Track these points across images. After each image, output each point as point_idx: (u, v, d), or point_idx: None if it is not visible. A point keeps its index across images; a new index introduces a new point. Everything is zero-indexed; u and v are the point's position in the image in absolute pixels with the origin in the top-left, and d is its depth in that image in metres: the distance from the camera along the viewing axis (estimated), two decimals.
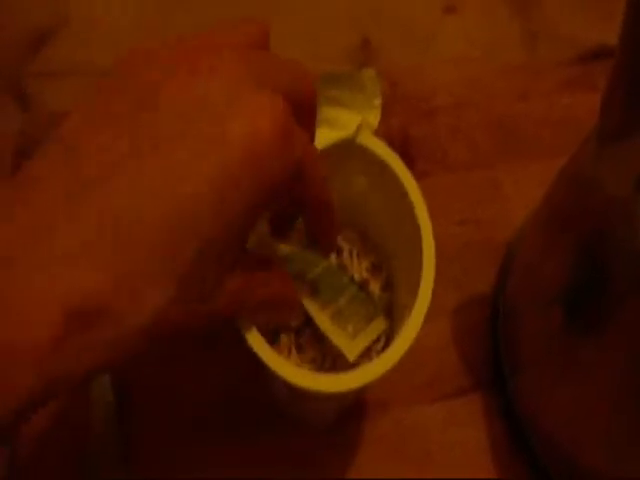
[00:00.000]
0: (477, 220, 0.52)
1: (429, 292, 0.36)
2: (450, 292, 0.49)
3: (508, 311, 0.47)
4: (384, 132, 0.39)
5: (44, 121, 0.52)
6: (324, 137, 0.39)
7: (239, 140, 0.26)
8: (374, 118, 0.40)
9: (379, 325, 0.40)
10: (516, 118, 0.55)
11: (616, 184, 0.35)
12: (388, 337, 0.41)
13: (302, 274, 0.39)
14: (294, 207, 0.35)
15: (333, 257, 0.43)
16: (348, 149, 0.40)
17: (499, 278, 0.50)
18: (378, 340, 0.41)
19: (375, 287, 0.42)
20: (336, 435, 0.45)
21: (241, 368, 0.46)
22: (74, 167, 0.25)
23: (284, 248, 0.40)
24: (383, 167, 0.39)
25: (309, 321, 0.41)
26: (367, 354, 0.41)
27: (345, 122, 0.39)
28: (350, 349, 0.39)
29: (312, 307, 0.39)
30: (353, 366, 0.40)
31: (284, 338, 0.41)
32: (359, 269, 0.43)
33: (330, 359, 0.40)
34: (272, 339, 0.41)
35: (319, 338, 0.41)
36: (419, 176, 0.39)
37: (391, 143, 0.40)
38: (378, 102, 0.40)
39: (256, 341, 0.35)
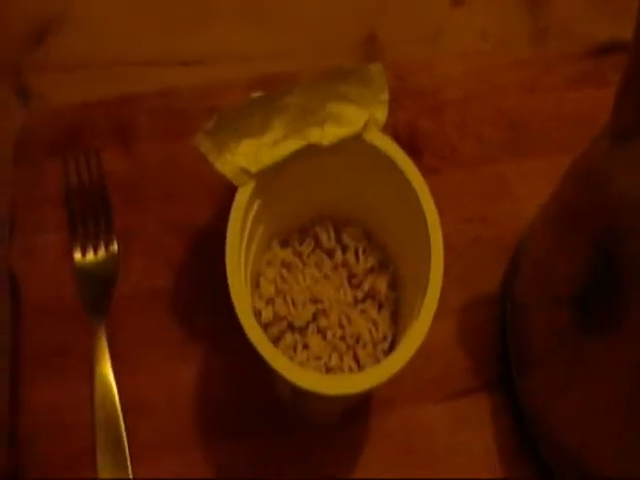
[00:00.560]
0: (485, 217, 0.51)
1: (437, 292, 0.36)
2: (457, 290, 0.48)
3: (516, 309, 0.46)
4: (391, 126, 0.38)
5: (44, 115, 0.52)
6: (331, 133, 0.38)
7: None
8: (381, 114, 0.39)
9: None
10: (525, 113, 0.54)
11: (629, 182, 0.34)
12: (394, 336, 0.41)
13: None
14: None
15: (339, 255, 0.42)
16: (355, 145, 0.39)
17: (507, 276, 0.49)
18: (384, 339, 0.41)
19: (381, 285, 0.42)
20: (341, 433, 0.44)
21: (245, 365, 0.45)
22: None
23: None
24: (390, 164, 0.39)
25: (315, 316, 0.41)
26: (374, 354, 0.40)
27: (352, 118, 0.39)
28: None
29: None
30: (359, 363, 0.40)
31: (289, 337, 0.40)
32: (364, 267, 0.42)
33: (336, 356, 0.40)
34: (277, 337, 0.40)
35: (324, 335, 0.41)
36: (426, 172, 0.39)
37: (398, 138, 0.40)
38: (385, 97, 0.40)
39: (260, 341, 0.34)
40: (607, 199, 0.36)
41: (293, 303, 0.40)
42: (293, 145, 0.38)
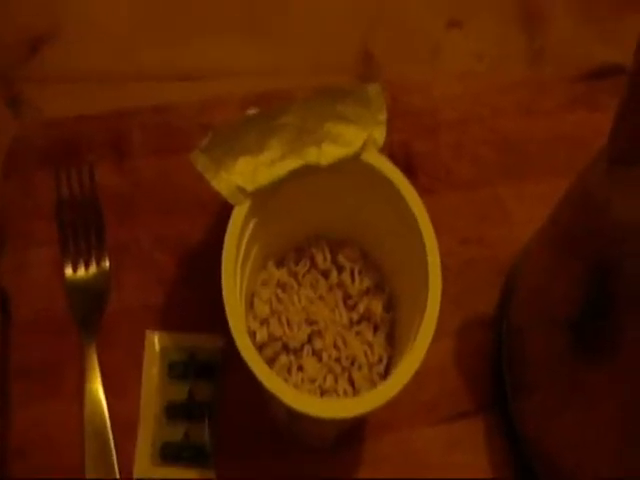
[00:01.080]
0: (480, 238, 0.51)
1: (435, 315, 0.36)
2: (452, 311, 0.47)
3: (512, 332, 0.46)
4: (386, 147, 0.38)
5: (37, 126, 0.51)
6: (329, 153, 0.38)
7: None
8: (379, 135, 0.39)
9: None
10: (521, 135, 0.54)
11: (626, 206, 0.34)
12: (390, 358, 0.40)
13: None
14: None
15: (334, 275, 0.42)
16: (352, 166, 0.39)
17: (502, 298, 0.49)
18: (380, 361, 0.40)
19: (377, 307, 0.41)
20: (336, 456, 0.44)
21: (239, 387, 0.44)
22: None
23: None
24: (387, 184, 0.39)
25: (310, 338, 0.40)
26: (369, 376, 0.40)
27: (350, 138, 0.39)
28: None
29: None
30: (354, 386, 0.40)
31: (284, 358, 0.40)
32: (360, 288, 0.42)
33: (331, 379, 0.40)
34: (272, 358, 0.40)
35: (319, 357, 0.40)
36: (421, 192, 0.38)
37: (393, 159, 0.39)
38: (383, 117, 0.39)
39: (255, 361, 0.34)
40: (604, 223, 0.36)
41: (288, 324, 0.40)
42: (290, 165, 0.38)
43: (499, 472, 0.45)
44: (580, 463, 0.41)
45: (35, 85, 0.55)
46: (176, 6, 0.58)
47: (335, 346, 0.40)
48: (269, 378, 0.34)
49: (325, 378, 0.40)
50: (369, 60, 0.59)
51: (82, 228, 0.48)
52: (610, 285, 0.35)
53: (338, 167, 0.38)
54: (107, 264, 0.47)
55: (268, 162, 0.38)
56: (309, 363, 0.40)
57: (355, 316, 0.41)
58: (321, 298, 0.41)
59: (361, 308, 0.41)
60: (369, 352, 0.40)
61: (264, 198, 0.38)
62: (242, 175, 0.37)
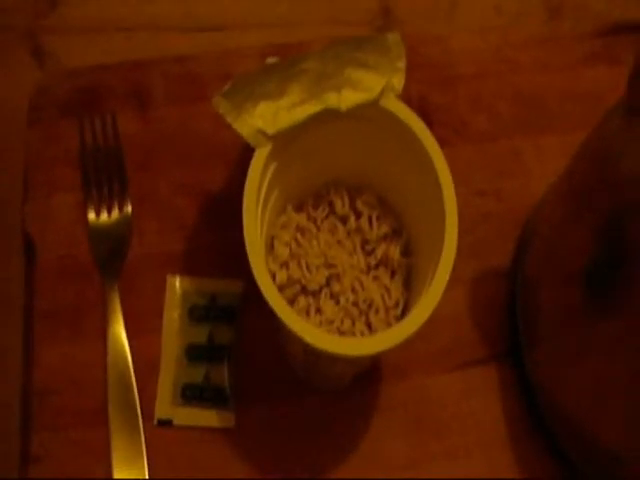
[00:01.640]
0: (497, 191, 0.51)
1: (451, 260, 0.36)
2: (468, 262, 0.48)
3: (527, 284, 0.46)
4: (403, 98, 0.39)
5: (60, 76, 0.52)
6: (348, 98, 0.39)
7: None
8: (398, 82, 0.39)
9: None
10: (538, 90, 0.54)
11: None
12: (407, 302, 0.41)
13: None
14: None
15: (352, 221, 0.43)
16: (371, 112, 0.39)
17: (518, 250, 0.49)
18: (397, 305, 0.41)
19: (394, 252, 0.42)
20: (351, 400, 0.45)
21: (257, 329, 0.46)
22: None
23: None
24: (406, 131, 0.39)
25: (328, 281, 0.41)
26: (386, 319, 0.40)
27: (369, 84, 0.39)
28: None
29: None
30: (370, 329, 0.40)
31: (303, 300, 0.41)
32: (378, 234, 0.42)
33: (349, 321, 0.40)
34: (291, 300, 0.41)
35: (337, 300, 0.41)
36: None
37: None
38: (402, 65, 0.40)
39: (276, 300, 0.35)
40: (619, 174, 0.36)
41: (307, 267, 0.41)
42: (311, 109, 0.38)
43: (511, 418, 0.45)
44: (591, 413, 0.41)
45: (58, 36, 0.55)
46: None
47: (353, 290, 0.41)
48: (289, 316, 0.35)
49: (342, 321, 0.40)
50: (387, 14, 0.59)
51: (105, 175, 0.48)
52: (624, 236, 0.35)
53: (357, 113, 0.39)
54: (129, 209, 0.48)
55: (289, 106, 0.38)
56: (327, 306, 0.40)
57: (373, 261, 0.42)
58: (339, 243, 0.42)
59: (379, 253, 0.42)
60: (386, 296, 0.41)
61: (284, 143, 0.39)
62: (263, 118, 0.38)
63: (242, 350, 0.46)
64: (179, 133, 0.50)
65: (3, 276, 0.49)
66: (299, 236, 0.42)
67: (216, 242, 0.47)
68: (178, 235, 0.48)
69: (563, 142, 0.51)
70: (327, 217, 0.43)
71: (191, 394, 0.44)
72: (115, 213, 0.48)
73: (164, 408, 0.44)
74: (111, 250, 0.47)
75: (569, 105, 0.54)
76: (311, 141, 0.40)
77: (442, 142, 0.39)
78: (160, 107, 0.51)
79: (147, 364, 0.45)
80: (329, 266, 0.41)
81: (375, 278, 0.41)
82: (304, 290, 0.41)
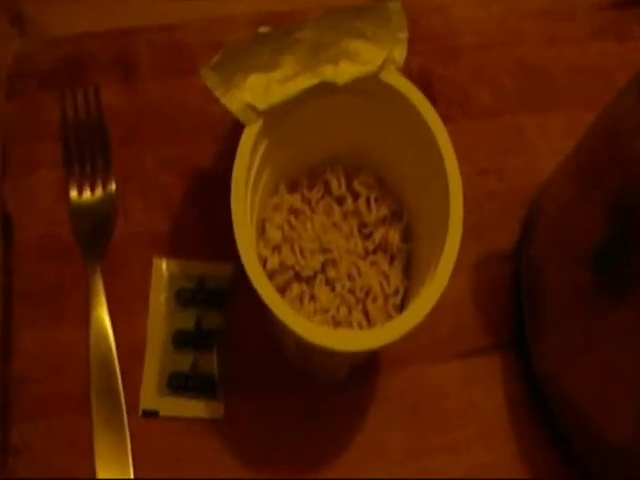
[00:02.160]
0: (500, 170, 0.49)
1: (456, 248, 0.34)
2: (470, 245, 0.45)
3: (532, 267, 0.44)
4: (404, 71, 0.36)
5: (41, 45, 0.49)
6: (345, 72, 0.36)
7: None
8: (399, 53, 0.37)
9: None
10: (544, 64, 0.52)
11: None
12: (406, 290, 0.39)
13: None
14: None
15: (349, 203, 0.40)
16: (370, 86, 0.37)
17: (523, 232, 0.47)
18: (396, 293, 0.39)
19: (394, 237, 0.40)
20: (348, 391, 0.43)
21: (250, 317, 0.43)
22: None
23: None
24: (407, 106, 0.37)
25: (324, 267, 0.39)
26: (384, 308, 0.38)
27: (368, 56, 0.36)
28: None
29: None
30: (368, 318, 0.38)
31: (296, 287, 0.38)
32: (376, 216, 0.40)
33: (345, 310, 0.38)
34: (283, 287, 0.38)
35: (333, 287, 0.39)
36: None
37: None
38: (404, 36, 0.37)
39: (266, 290, 0.33)
40: (631, 153, 0.34)
41: (301, 252, 0.38)
42: (305, 82, 0.36)
43: (514, 409, 0.43)
44: (596, 403, 0.40)
45: (39, 3, 0.52)
46: None
47: (349, 277, 0.39)
48: (280, 307, 0.32)
49: (338, 309, 0.38)
50: None
51: (88, 150, 0.46)
52: (635, 218, 0.33)
53: (355, 87, 0.36)
54: (113, 187, 0.45)
55: (281, 79, 0.35)
56: (322, 293, 0.38)
57: (371, 245, 0.40)
58: (335, 226, 0.40)
59: (377, 237, 0.40)
60: (385, 283, 0.39)
61: (277, 118, 0.36)
62: (253, 92, 0.35)
63: (231, 337, 0.43)
64: (166, 106, 0.48)
65: None
66: (292, 218, 0.39)
67: (204, 222, 0.45)
68: (164, 214, 0.45)
69: (568, 119, 0.49)
70: (322, 198, 0.40)
71: (177, 383, 0.42)
72: (98, 191, 0.45)
73: (149, 398, 0.42)
74: (94, 229, 0.44)
75: (575, 79, 0.51)
76: (306, 117, 0.38)
77: (444, 119, 0.37)
78: (146, 79, 0.48)
79: (132, 351, 0.43)
80: (324, 251, 0.39)
81: (373, 264, 0.39)
82: (297, 276, 0.38)
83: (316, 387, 0.43)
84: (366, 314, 0.38)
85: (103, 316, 0.43)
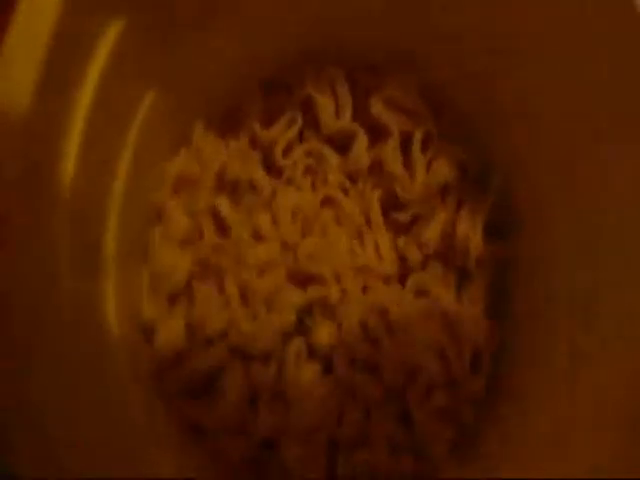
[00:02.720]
0: None
1: None
2: None
3: None
4: None
5: None
6: None
7: None
8: None
9: None
10: None
11: None
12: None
13: None
14: None
15: (362, 150, 0.17)
16: None
17: None
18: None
19: (469, 231, 0.17)
20: None
21: None
22: None
23: None
24: None
25: (301, 321, 0.17)
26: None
27: None
28: None
29: None
30: None
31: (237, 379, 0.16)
32: (428, 181, 0.17)
33: None
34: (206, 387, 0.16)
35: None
36: None
37: None
38: None
39: None
40: None
41: (244, 296, 0.16)
42: None
43: None
44: None
45: None
46: None
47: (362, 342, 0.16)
48: None
49: None
50: None
51: None
52: None
53: None
54: None
55: None
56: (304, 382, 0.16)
57: (413, 251, 0.17)
58: (333, 214, 0.17)
59: (431, 232, 0.17)
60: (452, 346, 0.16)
61: None
62: None
63: None
64: None
65: None
66: (224, 207, 0.16)
67: None
68: None
69: None
70: (302, 143, 0.17)
71: None
72: None
73: None
74: None
75: None
76: None
77: None
78: None
79: None
80: (307, 280, 0.16)
81: (419, 295, 0.17)
82: (239, 354, 0.16)
83: None
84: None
85: None
